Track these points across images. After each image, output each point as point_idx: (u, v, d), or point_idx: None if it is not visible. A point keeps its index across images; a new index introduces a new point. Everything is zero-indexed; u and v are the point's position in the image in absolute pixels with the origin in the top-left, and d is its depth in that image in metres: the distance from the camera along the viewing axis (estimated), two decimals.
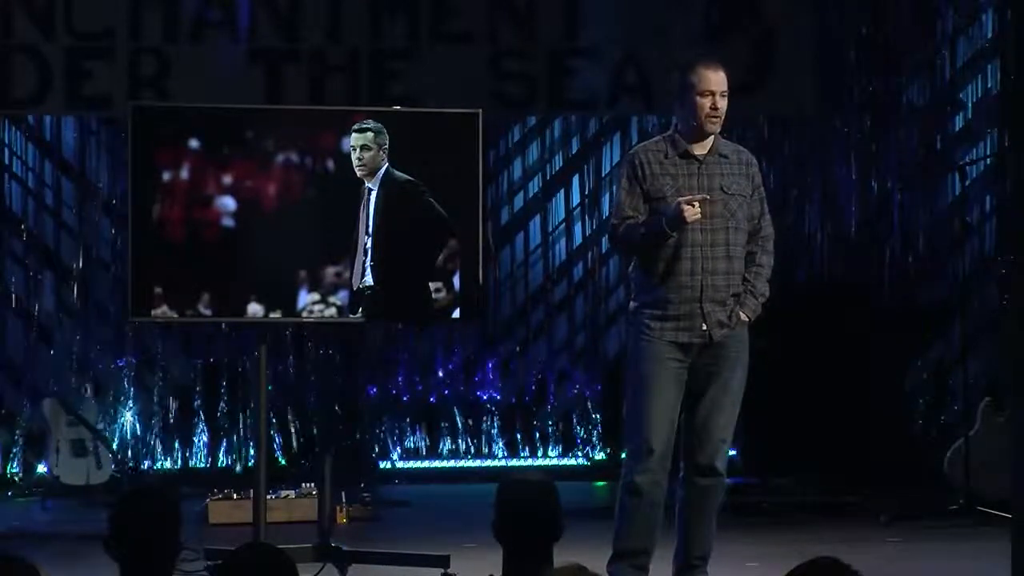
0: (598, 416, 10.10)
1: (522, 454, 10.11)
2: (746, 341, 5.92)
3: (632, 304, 5.97)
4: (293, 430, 9.77)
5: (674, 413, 5.83)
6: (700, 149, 5.88)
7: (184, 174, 6.37)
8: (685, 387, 5.84)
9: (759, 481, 8.89)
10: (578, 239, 10.19)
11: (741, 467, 8.90)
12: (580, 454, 10.13)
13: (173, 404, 9.80)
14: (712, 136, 5.89)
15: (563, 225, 10.20)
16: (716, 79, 5.80)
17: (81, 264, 9.70)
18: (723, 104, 5.82)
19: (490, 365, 10.14)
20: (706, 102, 5.79)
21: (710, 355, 5.84)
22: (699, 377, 5.84)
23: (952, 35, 10.05)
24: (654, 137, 6.27)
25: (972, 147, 9.99)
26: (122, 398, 9.71)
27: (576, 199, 10.17)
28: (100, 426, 9.31)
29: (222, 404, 9.81)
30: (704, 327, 5.80)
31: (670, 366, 5.81)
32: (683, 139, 5.89)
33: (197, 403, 9.80)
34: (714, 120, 5.81)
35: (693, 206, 5.66)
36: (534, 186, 10.21)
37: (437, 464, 10.05)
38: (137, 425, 9.75)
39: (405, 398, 10.05)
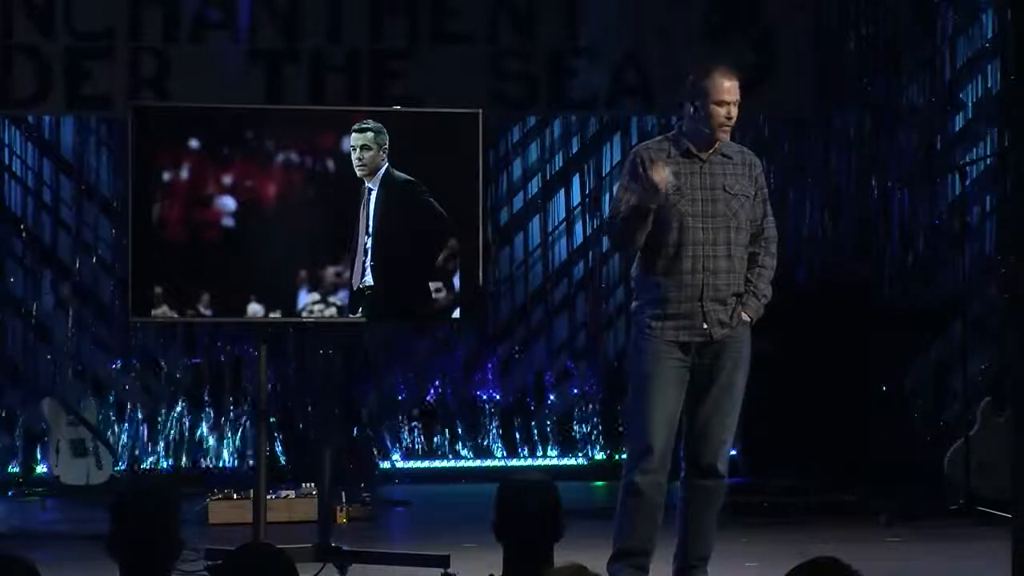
0: (598, 416, 10.10)
1: (521, 454, 10.11)
2: (748, 342, 5.91)
3: (634, 304, 5.97)
4: (294, 430, 9.79)
5: (675, 413, 5.82)
6: (703, 149, 5.89)
7: (184, 174, 6.37)
8: (687, 387, 5.84)
9: (759, 481, 8.88)
10: (578, 239, 10.20)
11: (741, 467, 8.91)
12: (580, 454, 10.14)
13: (173, 404, 9.80)
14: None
15: (563, 225, 10.21)
16: (732, 88, 5.83)
17: (81, 264, 9.70)
18: (736, 113, 5.84)
19: (490, 365, 10.15)
20: (721, 112, 5.81)
21: (711, 355, 5.83)
22: (701, 378, 5.84)
23: (952, 35, 10.05)
24: (656, 137, 6.28)
25: (972, 147, 9.99)
26: (122, 398, 9.72)
27: (576, 199, 10.18)
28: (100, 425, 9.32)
29: (222, 404, 9.82)
30: (705, 326, 5.79)
31: (670, 365, 5.80)
32: (687, 140, 5.89)
33: (198, 403, 9.80)
34: (726, 129, 5.84)
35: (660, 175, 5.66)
36: (534, 186, 10.21)
37: (437, 464, 10.05)
38: (137, 425, 9.76)
39: (405, 398, 10.06)
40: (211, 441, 9.81)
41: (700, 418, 5.85)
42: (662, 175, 5.64)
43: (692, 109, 5.85)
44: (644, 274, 5.90)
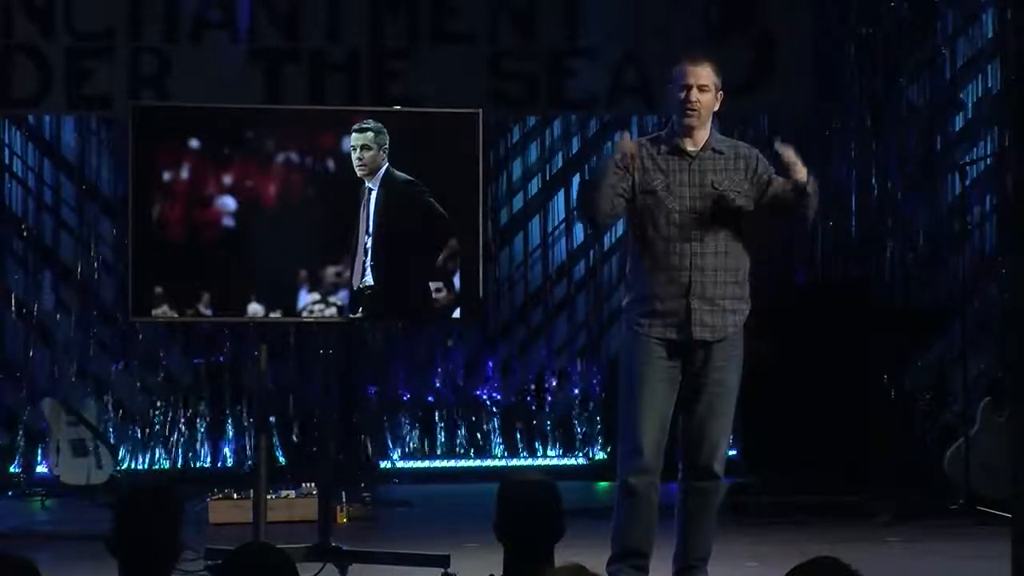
0: (598, 416, 10.11)
1: (522, 454, 10.12)
2: (741, 343, 5.88)
3: (624, 300, 5.97)
4: (293, 430, 9.79)
5: (666, 412, 5.79)
6: (692, 145, 5.85)
7: (184, 174, 6.36)
8: (679, 387, 5.81)
9: (759, 481, 8.88)
10: (578, 239, 10.21)
11: (741, 467, 8.91)
12: (580, 454, 10.14)
13: (174, 404, 9.80)
14: (707, 132, 5.88)
15: (563, 225, 10.21)
16: (694, 72, 5.80)
17: (81, 264, 9.70)
18: (702, 97, 5.78)
19: (490, 365, 10.15)
20: (681, 96, 5.80)
21: (703, 356, 5.80)
22: (694, 379, 5.81)
23: (952, 35, 10.05)
24: (651, 134, 6.28)
25: (972, 147, 9.99)
26: (122, 398, 9.72)
27: (576, 199, 10.18)
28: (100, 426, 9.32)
29: (223, 404, 9.82)
30: (691, 325, 5.77)
31: (660, 365, 5.78)
32: (676, 136, 5.88)
33: (198, 403, 9.81)
34: (689, 113, 5.79)
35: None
36: (534, 186, 10.22)
37: (437, 464, 10.05)
38: (137, 425, 9.77)
39: (405, 398, 10.06)
40: (211, 441, 9.82)
41: (695, 420, 5.83)
42: (627, 142, 5.72)
43: (668, 103, 5.89)
44: (634, 270, 5.89)
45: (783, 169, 5.75)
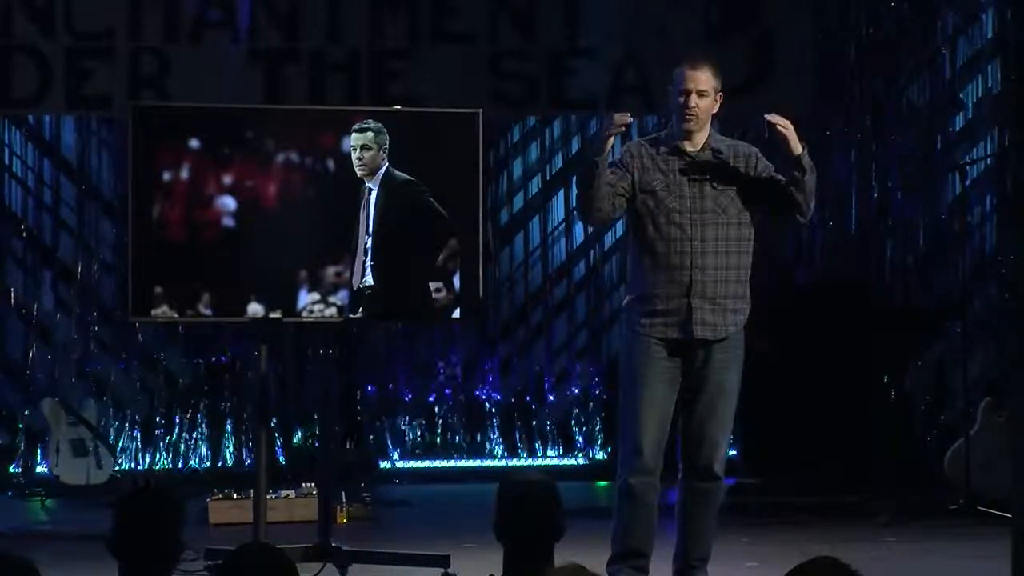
0: (598, 416, 10.11)
1: (522, 454, 10.12)
2: (742, 342, 5.88)
3: (625, 299, 5.97)
4: (293, 430, 9.79)
5: (666, 412, 5.79)
6: (692, 146, 5.86)
7: (184, 174, 6.37)
8: (680, 387, 5.81)
9: (759, 481, 8.89)
10: (578, 239, 10.20)
11: (741, 467, 8.91)
12: (580, 454, 10.14)
13: (174, 404, 9.80)
14: (706, 133, 5.88)
15: (563, 225, 10.21)
16: (693, 77, 5.80)
17: (81, 264, 9.70)
18: (700, 102, 5.79)
19: (490, 365, 10.15)
20: (680, 100, 5.81)
21: (704, 355, 5.80)
22: (694, 379, 5.81)
23: (952, 35, 10.05)
24: (650, 134, 6.29)
25: (972, 147, 9.99)
26: (122, 398, 9.72)
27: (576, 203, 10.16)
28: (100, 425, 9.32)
29: (223, 404, 9.82)
30: (692, 324, 5.77)
31: (660, 365, 5.78)
32: (675, 137, 5.89)
33: (198, 403, 9.80)
34: (688, 118, 5.81)
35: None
36: (534, 186, 10.21)
37: (437, 464, 10.05)
38: (137, 426, 9.76)
39: (405, 398, 10.06)
40: (211, 441, 9.81)
41: (695, 420, 5.83)
42: (622, 117, 5.68)
43: (668, 104, 5.89)
44: (635, 270, 5.90)
45: (778, 144, 5.76)
